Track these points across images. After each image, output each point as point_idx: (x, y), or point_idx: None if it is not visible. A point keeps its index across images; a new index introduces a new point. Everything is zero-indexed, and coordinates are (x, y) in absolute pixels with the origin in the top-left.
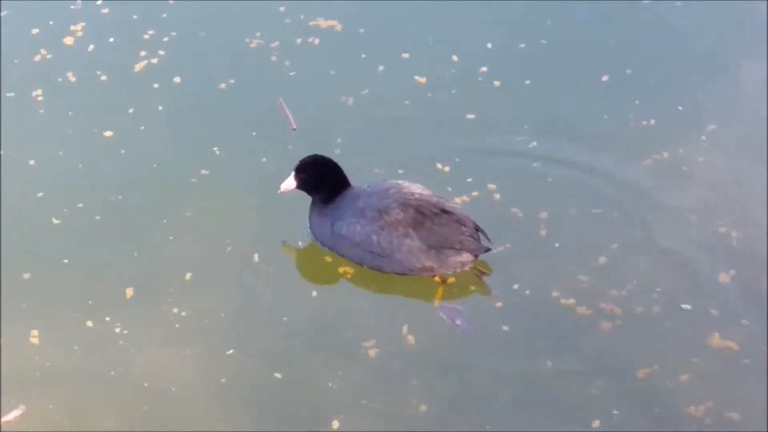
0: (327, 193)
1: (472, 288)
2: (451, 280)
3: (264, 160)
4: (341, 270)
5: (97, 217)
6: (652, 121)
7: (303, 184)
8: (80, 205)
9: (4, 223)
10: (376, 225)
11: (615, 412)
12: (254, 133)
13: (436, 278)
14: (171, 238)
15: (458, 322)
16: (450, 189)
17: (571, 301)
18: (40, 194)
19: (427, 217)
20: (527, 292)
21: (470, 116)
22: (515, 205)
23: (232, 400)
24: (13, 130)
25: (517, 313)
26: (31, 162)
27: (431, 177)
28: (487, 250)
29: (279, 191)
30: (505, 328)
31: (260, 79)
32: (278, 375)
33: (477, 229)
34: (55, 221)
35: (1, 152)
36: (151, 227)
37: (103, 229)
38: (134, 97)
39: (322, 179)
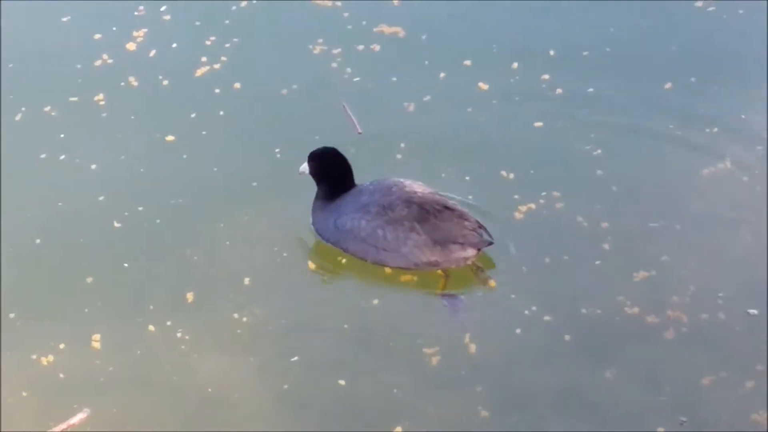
0: (330, 186)
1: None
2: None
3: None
4: (403, 279)
5: (158, 221)
6: (715, 129)
7: (312, 172)
8: (141, 208)
9: (66, 227)
10: (381, 220)
11: (682, 419)
12: (317, 137)
13: (439, 271)
14: (228, 243)
15: (459, 311)
16: (517, 197)
17: (636, 309)
18: (101, 198)
19: (431, 213)
20: (590, 300)
21: (538, 124)
22: (579, 213)
23: (296, 406)
24: (76, 134)
25: (580, 322)
26: (93, 166)
27: (496, 184)
28: (490, 243)
29: (298, 173)
30: (567, 337)
31: (322, 85)
32: (342, 382)
33: (479, 225)
34: (116, 224)
35: (63, 157)
36: (211, 231)
37: (164, 233)
38: (196, 102)
39: (328, 171)
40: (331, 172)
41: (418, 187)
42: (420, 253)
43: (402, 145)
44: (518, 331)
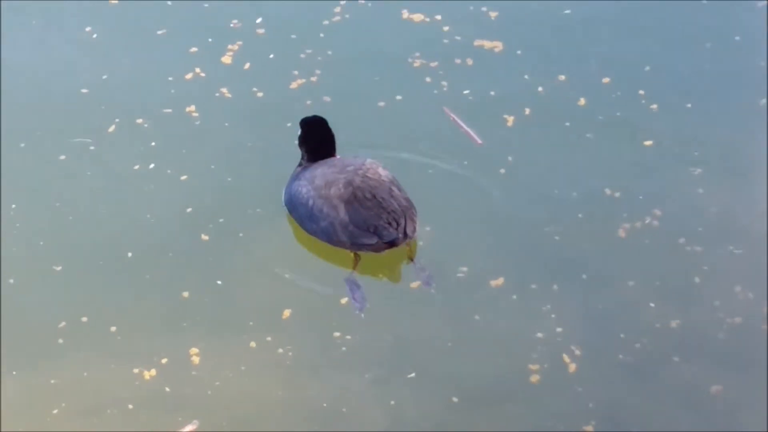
0: (309, 153)
1: None
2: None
3: (431, 171)
4: (494, 283)
5: (240, 234)
6: None
7: (299, 138)
8: (221, 220)
9: (155, 240)
10: (318, 193)
11: None
12: (425, 146)
13: (352, 254)
14: (325, 258)
15: (355, 296)
16: (625, 215)
17: (738, 319)
18: (189, 209)
19: (358, 198)
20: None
21: (648, 142)
22: (680, 234)
23: (409, 423)
24: (167, 145)
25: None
26: (183, 177)
27: (599, 201)
28: (394, 242)
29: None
30: (676, 358)
31: (419, 98)
32: (455, 399)
33: (399, 221)
34: (204, 237)
35: (152, 165)
36: (304, 246)
37: (249, 247)
38: (290, 113)
39: (308, 138)
40: (311, 140)
41: (374, 174)
42: (332, 231)
43: (509, 157)
44: None
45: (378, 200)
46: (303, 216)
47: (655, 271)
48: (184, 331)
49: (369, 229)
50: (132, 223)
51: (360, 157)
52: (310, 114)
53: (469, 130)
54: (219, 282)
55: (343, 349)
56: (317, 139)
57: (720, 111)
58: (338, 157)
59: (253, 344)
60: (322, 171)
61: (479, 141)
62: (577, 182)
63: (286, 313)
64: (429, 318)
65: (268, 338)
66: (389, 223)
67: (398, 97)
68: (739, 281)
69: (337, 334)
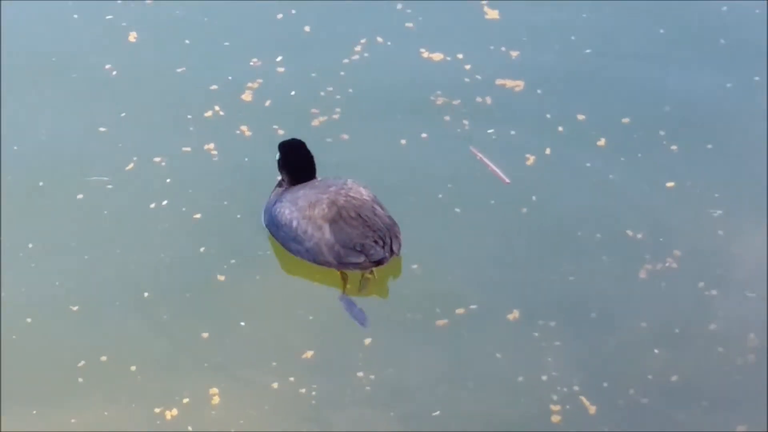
0: (289, 176)
1: None
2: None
3: (457, 210)
4: (511, 317)
5: (257, 277)
6: None
7: (279, 161)
8: (232, 261)
9: (171, 279)
10: (301, 214)
11: None
12: (450, 185)
13: (339, 273)
14: (352, 296)
15: (354, 313)
16: (648, 256)
17: (751, 365)
18: (202, 249)
19: (343, 217)
20: None
21: (669, 184)
22: (700, 278)
23: None
24: (184, 183)
25: None
26: (197, 216)
27: (621, 243)
28: (381, 260)
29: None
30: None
31: (442, 136)
32: None
33: (385, 240)
34: (220, 278)
35: (165, 203)
36: (322, 289)
37: (265, 288)
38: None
39: (286, 160)
40: (291, 163)
41: (356, 193)
42: (318, 251)
43: (533, 197)
44: None
45: (363, 219)
46: (286, 238)
47: (672, 314)
48: (205, 371)
49: (355, 248)
50: (147, 263)
51: (341, 177)
52: (326, 147)
53: (496, 169)
54: (242, 323)
55: (367, 388)
56: (297, 162)
57: (741, 152)
58: (318, 178)
59: (275, 385)
60: (304, 192)
61: (507, 180)
62: (600, 223)
63: (309, 353)
64: (451, 356)
65: (291, 378)
66: (375, 242)
67: (423, 135)
68: (753, 328)
69: (360, 374)
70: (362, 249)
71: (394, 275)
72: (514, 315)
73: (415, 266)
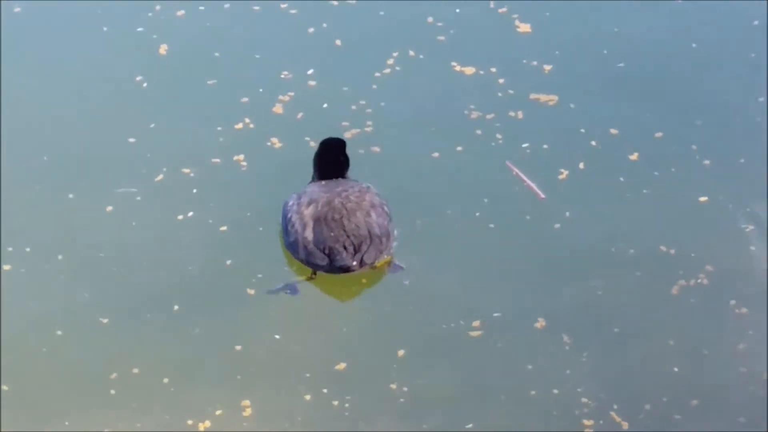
0: (317, 170)
1: None
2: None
3: (492, 225)
4: (539, 328)
5: (287, 292)
6: None
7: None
8: (261, 275)
9: (199, 292)
10: (297, 208)
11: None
12: (485, 200)
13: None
14: (386, 308)
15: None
16: (681, 272)
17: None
18: (228, 262)
19: (327, 219)
20: None
21: (702, 198)
22: (731, 296)
23: None
24: (212, 195)
25: None
26: (223, 228)
27: (655, 258)
28: (346, 267)
29: None
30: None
31: (475, 150)
32: None
33: (369, 250)
34: (250, 291)
35: (191, 214)
36: (357, 300)
37: (296, 300)
38: None
39: (320, 156)
40: (323, 159)
41: (356, 197)
42: (296, 247)
43: (567, 213)
44: None
45: (342, 223)
46: (282, 228)
47: (701, 331)
48: (238, 383)
49: (324, 250)
50: (175, 276)
51: (360, 182)
52: (359, 159)
53: (532, 184)
54: (276, 336)
55: (401, 400)
56: (326, 158)
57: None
58: (342, 179)
59: (308, 397)
60: (317, 188)
61: (542, 195)
62: (633, 239)
63: (342, 365)
64: (484, 367)
65: (324, 390)
66: (345, 248)
67: (459, 148)
68: None
69: (393, 386)
70: (330, 252)
71: (419, 286)
72: (541, 324)
73: (448, 278)
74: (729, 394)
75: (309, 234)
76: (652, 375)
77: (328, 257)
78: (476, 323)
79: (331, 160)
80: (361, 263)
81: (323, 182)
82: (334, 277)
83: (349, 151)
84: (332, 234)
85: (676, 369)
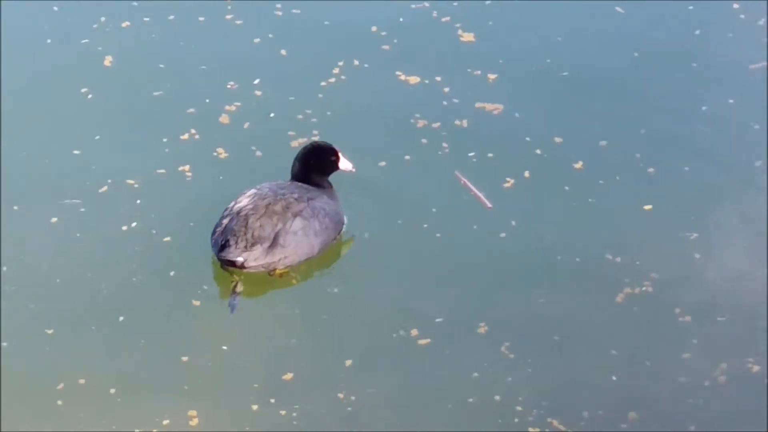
0: (294, 171)
1: None
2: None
3: (438, 235)
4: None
5: (235, 300)
6: None
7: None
8: (205, 287)
9: (146, 303)
10: (237, 199)
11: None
12: (434, 210)
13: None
14: (335, 318)
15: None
16: (627, 280)
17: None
18: (172, 273)
19: (244, 214)
20: None
21: (647, 207)
22: (674, 302)
23: None
24: (155, 205)
25: None
26: (166, 239)
27: (600, 267)
28: (228, 261)
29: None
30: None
31: (423, 159)
32: None
33: (236, 247)
34: (195, 302)
35: (133, 225)
36: (302, 310)
37: (246, 312)
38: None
39: (302, 158)
40: (303, 162)
41: (282, 202)
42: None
43: (513, 222)
44: None
45: (248, 220)
46: None
47: (644, 340)
48: (185, 393)
49: (221, 239)
50: (121, 287)
51: (329, 194)
52: None
53: (479, 194)
54: (224, 347)
55: (349, 409)
56: (301, 163)
57: (716, 174)
58: (313, 186)
59: (255, 407)
60: (273, 186)
61: (489, 205)
62: (579, 247)
63: (289, 375)
64: (430, 375)
65: (272, 400)
66: (237, 242)
67: (406, 157)
68: (726, 356)
69: (341, 395)
70: (224, 242)
71: (367, 296)
72: (483, 330)
73: (395, 288)
74: (666, 405)
75: (225, 222)
76: (592, 384)
77: (221, 247)
78: (419, 332)
79: (302, 164)
80: (244, 264)
81: (290, 183)
82: (285, 289)
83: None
84: (235, 227)
85: (614, 378)
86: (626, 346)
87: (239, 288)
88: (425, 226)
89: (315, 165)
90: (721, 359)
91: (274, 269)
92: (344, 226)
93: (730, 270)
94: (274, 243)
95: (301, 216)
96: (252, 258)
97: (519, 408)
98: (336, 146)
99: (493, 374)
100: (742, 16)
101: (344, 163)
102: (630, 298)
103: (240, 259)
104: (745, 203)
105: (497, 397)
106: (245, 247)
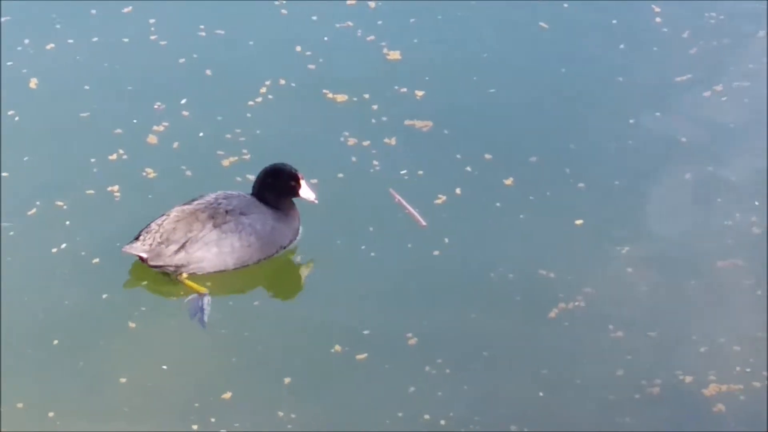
0: (255, 188)
1: None
2: None
3: (373, 254)
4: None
5: (172, 322)
6: None
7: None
8: (144, 308)
9: (78, 326)
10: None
11: None
12: (370, 229)
13: None
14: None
15: (197, 313)
16: (561, 295)
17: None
18: (104, 296)
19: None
20: None
21: (578, 221)
22: (606, 317)
23: None
24: (85, 226)
25: None
26: (95, 260)
27: (533, 283)
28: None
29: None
30: None
31: (354, 178)
32: None
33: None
34: (131, 324)
35: (63, 246)
36: (240, 329)
37: (179, 332)
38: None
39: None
40: (264, 182)
41: (225, 217)
42: None
43: (446, 239)
44: None
45: (164, 219)
46: None
47: (575, 356)
48: (125, 415)
49: (140, 233)
50: (53, 310)
51: (262, 207)
52: (237, 187)
53: (414, 211)
54: (164, 367)
55: (289, 426)
56: (258, 181)
57: (646, 188)
58: (265, 204)
59: (195, 426)
60: (222, 196)
61: (423, 223)
62: (512, 263)
63: (228, 394)
64: (366, 391)
65: (212, 419)
66: (144, 237)
67: (339, 175)
68: (653, 374)
69: (281, 413)
70: (138, 235)
71: (305, 314)
72: (413, 345)
73: (332, 307)
74: (594, 420)
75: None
76: (520, 400)
77: (135, 239)
78: (355, 349)
79: (258, 182)
80: (147, 261)
81: (247, 196)
82: (221, 307)
83: (227, 179)
84: (152, 225)
85: (541, 394)
86: (557, 361)
87: (207, 302)
88: (363, 247)
89: (271, 186)
90: (654, 374)
91: (180, 273)
92: (283, 249)
93: (657, 284)
94: (181, 248)
95: (219, 228)
96: (154, 255)
97: (449, 424)
98: (301, 174)
99: (425, 390)
100: (665, 30)
101: (305, 192)
102: (563, 313)
103: (144, 255)
104: (675, 218)
105: (427, 416)
106: (151, 245)
